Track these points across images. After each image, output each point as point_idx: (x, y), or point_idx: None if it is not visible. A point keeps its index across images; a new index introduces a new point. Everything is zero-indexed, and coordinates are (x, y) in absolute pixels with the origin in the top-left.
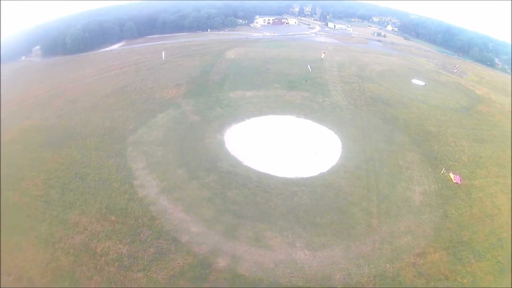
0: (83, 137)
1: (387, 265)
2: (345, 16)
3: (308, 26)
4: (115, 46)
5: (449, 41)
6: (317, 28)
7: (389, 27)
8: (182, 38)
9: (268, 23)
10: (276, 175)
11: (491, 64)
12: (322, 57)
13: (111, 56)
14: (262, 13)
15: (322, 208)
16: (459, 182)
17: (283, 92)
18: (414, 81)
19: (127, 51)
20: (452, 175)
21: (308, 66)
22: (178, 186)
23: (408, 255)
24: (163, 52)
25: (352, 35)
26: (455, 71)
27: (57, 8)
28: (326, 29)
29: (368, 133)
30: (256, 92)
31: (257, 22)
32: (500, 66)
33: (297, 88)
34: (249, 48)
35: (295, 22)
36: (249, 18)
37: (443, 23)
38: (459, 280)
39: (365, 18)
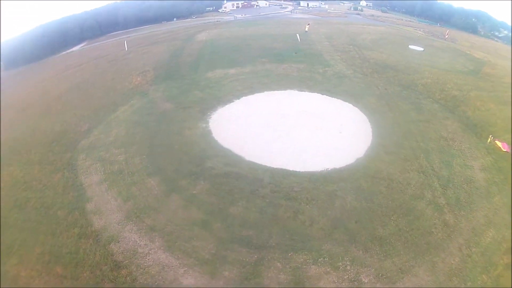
0: (28, 149)
1: (483, 276)
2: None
3: (280, 6)
4: (76, 47)
5: (428, 11)
6: (290, 7)
7: (363, 3)
8: (147, 30)
9: (237, 7)
10: (297, 169)
11: (473, 31)
12: (306, 29)
13: (70, 56)
14: None
15: (379, 211)
16: (508, 150)
17: (273, 66)
18: (412, 47)
19: (88, 49)
20: (499, 143)
21: (297, 35)
22: (151, 206)
23: (499, 255)
24: (125, 42)
25: (328, 11)
26: (447, 36)
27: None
28: (299, 7)
29: (392, 102)
30: (240, 69)
31: (225, 7)
32: (483, 33)
33: (288, 60)
34: (223, 30)
35: (266, 4)
36: (216, 4)
37: None
38: None
39: None
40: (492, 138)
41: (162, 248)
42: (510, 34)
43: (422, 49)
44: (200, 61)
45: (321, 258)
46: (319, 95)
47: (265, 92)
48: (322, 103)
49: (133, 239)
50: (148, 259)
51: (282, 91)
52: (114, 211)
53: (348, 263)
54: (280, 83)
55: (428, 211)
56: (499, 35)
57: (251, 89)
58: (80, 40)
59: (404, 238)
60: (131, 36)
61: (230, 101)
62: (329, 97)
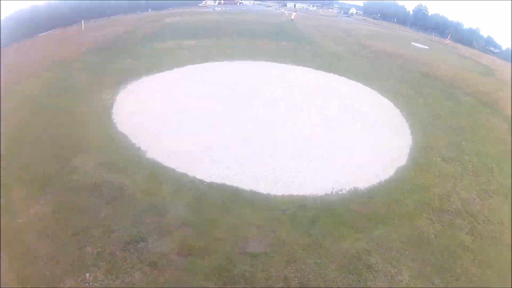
0: None
1: None
2: (302, 1)
3: (265, 5)
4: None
5: (422, 20)
6: (275, 6)
7: (353, 10)
8: (117, 17)
9: (219, 3)
10: (266, 191)
11: (469, 44)
12: (293, 17)
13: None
14: None
15: None
16: None
17: (246, 40)
18: (415, 44)
19: (55, 31)
20: None
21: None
22: None
23: None
24: (83, 21)
25: (317, 11)
26: (448, 41)
27: None
28: (285, 7)
29: (417, 87)
30: (200, 41)
31: (205, 2)
32: (477, 47)
33: (268, 38)
34: (194, 16)
35: (250, 2)
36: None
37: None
38: None
39: (324, 3)
40: None
41: None
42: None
43: (427, 47)
44: (154, 35)
45: None
46: (311, 69)
47: (225, 61)
48: (315, 78)
49: None
50: None
51: (252, 61)
52: None
53: None
54: (252, 54)
55: None
56: (494, 50)
57: (204, 58)
58: (52, 26)
59: None
60: (95, 23)
61: (168, 68)
62: (326, 73)
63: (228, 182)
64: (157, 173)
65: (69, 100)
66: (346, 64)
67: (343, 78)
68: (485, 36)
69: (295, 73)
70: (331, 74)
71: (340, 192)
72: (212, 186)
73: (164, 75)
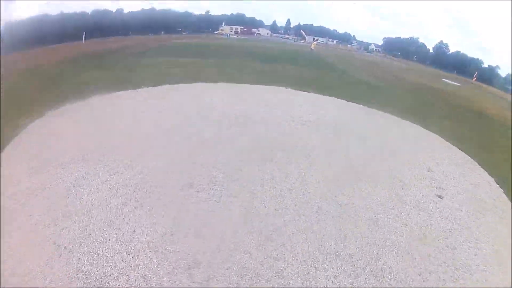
0: None
1: None
2: (321, 36)
3: (283, 37)
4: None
5: (443, 57)
6: (294, 38)
7: (373, 47)
8: (128, 37)
9: (236, 32)
10: None
11: (490, 82)
12: (312, 47)
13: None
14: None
15: None
16: None
17: (257, 63)
18: (446, 80)
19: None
20: None
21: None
22: None
23: None
24: (84, 33)
25: (336, 46)
26: (474, 79)
27: None
28: (303, 41)
29: (484, 132)
30: (200, 60)
31: (222, 30)
32: (497, 86)
33: (281, 61)
34: (204, 39)
35: (268, 33)
36: (213, 27)
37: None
38: None
39: (342, 39)
40: None
41: None
42: None
43: (459, 84)
44: (149, 51)
45: None
46: (342, 101)
47: (221, 83)
48: (350, 113)
49: None
50: None
51: (259, 86)
52: None
53: None
54: (260, 78)
55: None
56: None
57: (195, 77)
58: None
59: None
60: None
61: (136, 87)
62: (367, 108)
63: None
64: None
65: None
66: (385, 96)
67: (388, 115)
68: (504, 74)
69: (319, 104)
70: (374, 110)
71: None
72: None
73: (122, 96)
